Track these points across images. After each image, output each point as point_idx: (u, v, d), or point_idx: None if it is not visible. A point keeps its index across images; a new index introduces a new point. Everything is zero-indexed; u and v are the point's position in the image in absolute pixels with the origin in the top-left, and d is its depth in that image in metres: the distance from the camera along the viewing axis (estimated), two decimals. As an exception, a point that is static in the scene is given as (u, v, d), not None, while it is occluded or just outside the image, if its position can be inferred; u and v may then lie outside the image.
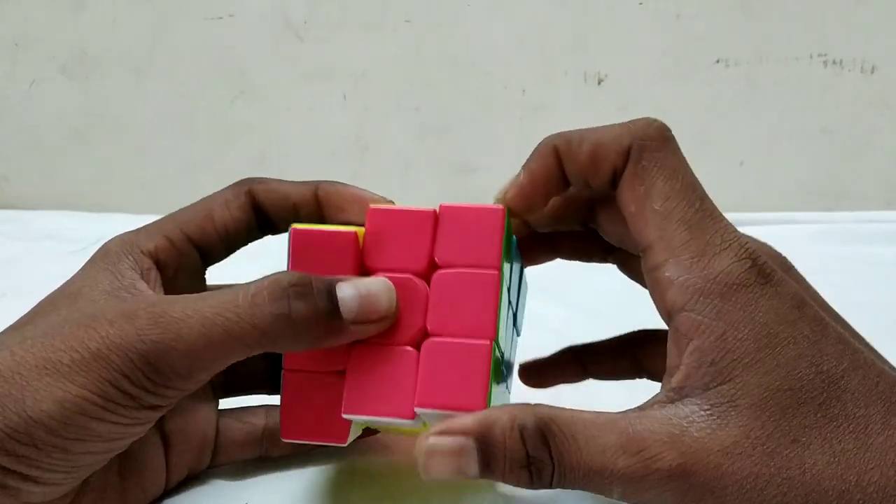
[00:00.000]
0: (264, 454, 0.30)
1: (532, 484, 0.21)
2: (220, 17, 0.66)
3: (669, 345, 0.22)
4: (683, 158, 0.24)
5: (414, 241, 0.25)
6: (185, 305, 0.22)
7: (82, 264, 0.27)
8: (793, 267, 0.25)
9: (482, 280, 0.24)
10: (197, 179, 0.71)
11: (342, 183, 0.28)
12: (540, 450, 0.21)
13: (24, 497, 0.21)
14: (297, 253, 0.25)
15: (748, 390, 0.21)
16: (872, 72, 0.63)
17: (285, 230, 0.29)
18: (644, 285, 0.25)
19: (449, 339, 0.24)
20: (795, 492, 0.20)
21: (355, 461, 0.31)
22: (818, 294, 0.25)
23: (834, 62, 0.63)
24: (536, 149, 0.25)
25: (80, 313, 0.23)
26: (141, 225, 0.28)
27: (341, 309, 0.23)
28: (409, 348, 0.24)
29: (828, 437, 0.21)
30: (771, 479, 0.20)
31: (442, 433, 0.22)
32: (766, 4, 0.62)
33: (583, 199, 0.27)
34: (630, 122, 0.24)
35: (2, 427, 0.20)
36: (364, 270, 0.25)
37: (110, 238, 0.28)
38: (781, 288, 0.22)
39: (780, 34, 0.63)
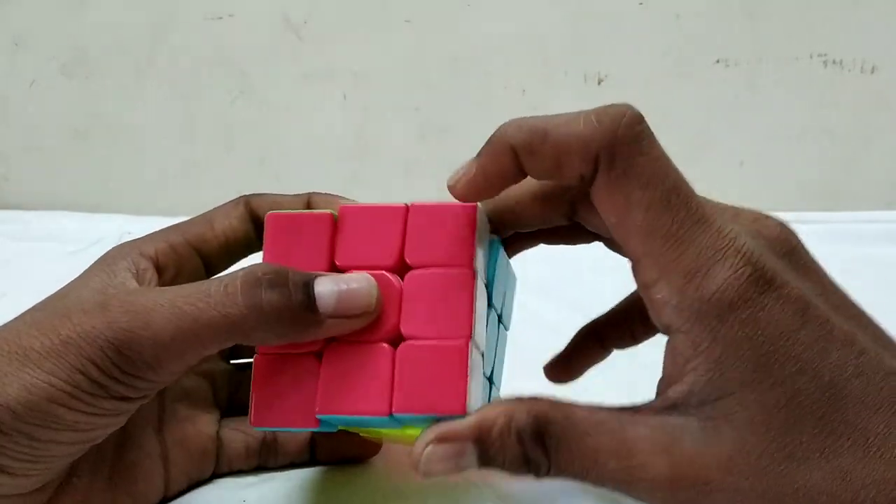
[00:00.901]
0: (263, 464, 0.30)
1: (528, 476, 0.22)
2: (220, 18, 0.66)
3: (666, 353, 0.22)
4: (661, 155, 0.22)
5: (385, 238, 0.24)
6: (157, 295, 0.22)
7: (82, 264, 0.27)
8: (797, 246, 0.23)
9: (456, 279, 0.24)
10: (197, 179, 0.71)
11: (333, 194, 0.28)
12: (536, 451, 0.21)
13: None
14: (271, 237, 0.25)
15: (745, 406, 0.20)
16: (872, 72, 0.63)
17: None
18: None
19: (425, 342, 0.24)
20: None
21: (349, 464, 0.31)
22: (826, 277, 0.24)
23: (834, 62, 0.63)
24: (490, 142, 0.24)
25: (61, 306, 0.23)
26: (140, 224, 0.29)
27: (318, 303, 0.22)
28: (384, 345, 0.24)
29: (826, 452, 0.20)
30: (762, 495, 0.20)
31: (440, 440, 0.22)
32: (766, 5, 0.62)
33: (562, 198, 0.25)
34: (599, 114, 0.22)
35: None
36: (335, 268, 0.25)
37: (115, 244, 0.28)
38: (784, 291, 0.21)
39: (780, 34, 0.63)
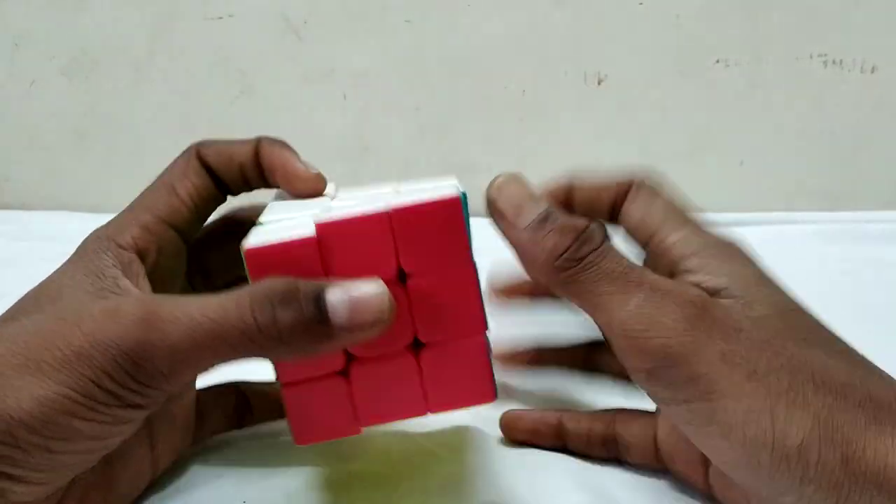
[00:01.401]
0: (241, 423, 0.31)
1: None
2: (220, 17, 0.66)
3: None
4: None
5: (376, 250, 0.23)
6: (172, 306, 0.22)
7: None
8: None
9: (459, 277, 0.24)
10: (197, 179, 0.71)
11: (280, 142, 0.28)
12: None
13: (10, 497, 0.21)
14: (257, 277, 0.23)
15: (762, 301, 0.24)
16: (873, 72, 0.63)
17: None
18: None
19: (444, 345, 0.24)
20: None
21: (353, 461, 0.31)
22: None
23: (834, 62, 0.63)
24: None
25: (64, 312, 0.23)
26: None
27: (330, 315, 0.22)
28: (408, 356, 0.24)
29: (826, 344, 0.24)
30: (785, 342, 0.23)
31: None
32: (766, 4, 0.62)
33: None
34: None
35: None
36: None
37: (87, 236, 0.27)
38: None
39: (780, 34, 0.63)
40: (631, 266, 0.23)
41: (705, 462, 0.27)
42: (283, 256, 0.23)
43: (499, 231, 0.24)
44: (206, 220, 0.29)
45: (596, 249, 0.23)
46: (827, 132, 0.65)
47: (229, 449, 0.32)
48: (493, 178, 0.25)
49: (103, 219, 0.27)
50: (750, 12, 0.63)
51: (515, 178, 0.24)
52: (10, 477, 0.21)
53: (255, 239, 0.23)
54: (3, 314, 0.25)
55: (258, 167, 0.28)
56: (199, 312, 0.21)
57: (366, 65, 0.66)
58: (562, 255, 0.23)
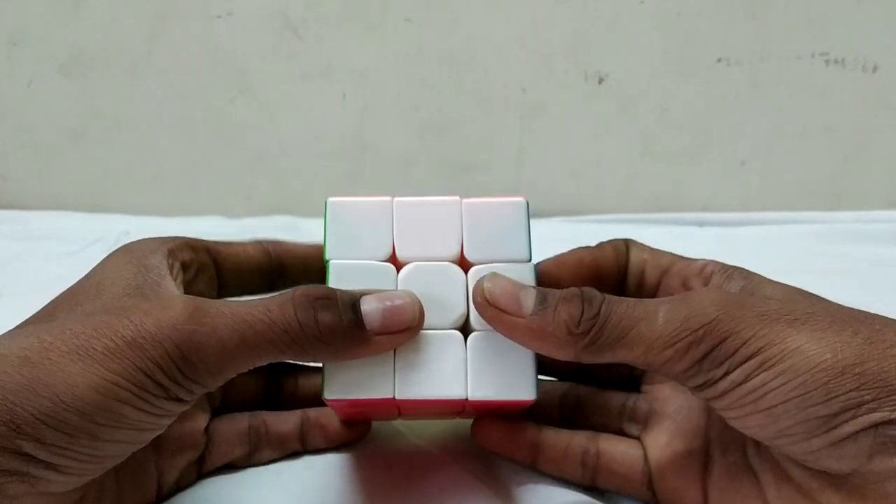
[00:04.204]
0: (254, 452, 0.30)
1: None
2: (219, 16, 0.66)
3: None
4: None
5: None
6: (220, 305, 0.23)
7: (80, 263, 0.27)
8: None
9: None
10: (196, 179, 0.71)
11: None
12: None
13: (42, 486, 0.21)
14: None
15: (779, 289, 0.25)
16: (874, 71, 0.63)
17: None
18: None
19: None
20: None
21: (352, 463, 0.31)
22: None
23: (836, 61, 0.63)
24: None
25: (110, 304, 0.23)
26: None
27: (365, 321, 0.23)
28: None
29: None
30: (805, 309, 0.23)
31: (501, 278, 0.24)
32: (768, 3, 0.62)
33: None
34: None
35: (34, 413, 0.20)
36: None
37: (130, 241, 0.28)
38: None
39: (781, 33, 0.63)
40: (641, 300, 0.24)
41: (703, 474, 0.26)
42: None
43: (504, 328, 0.24)
44: (246, 283, 0.31)
45: (604, 300, 0.24)
46: (828, 131, 0.65)
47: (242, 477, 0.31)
48: (478, 279, 0.25)
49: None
50: (751, 11, 0.62)
51: (497, 275, 0.24)
52: (48, 465, 0.21)
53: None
54: (38, 315, 0.25)
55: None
56: (246, 311, 0.23)
57: (365, 64, 0.66)
58: (580, 320, 0.23)
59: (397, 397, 0.25)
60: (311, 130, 0.68)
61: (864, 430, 0.21)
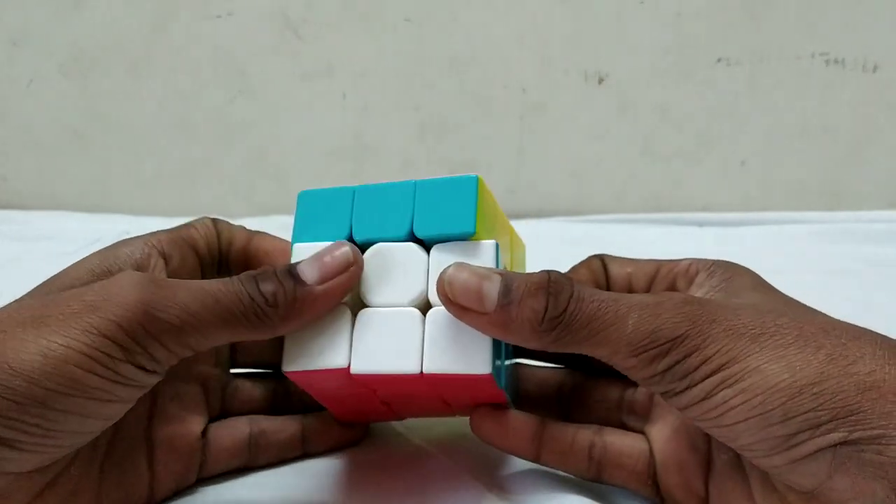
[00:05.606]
0: (252, 460, 0.30)
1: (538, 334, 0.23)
2: (219, 16, 0.66)
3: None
4: None
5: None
6: (177, 279, 0.24)
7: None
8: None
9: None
10: (196, 179, 0.71)
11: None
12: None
13: (1, 465, 0.21)
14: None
15: (745, 298, 0.25)
16: (874, 71, 0.63)
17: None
18: None
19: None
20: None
21: (352, 463, 0.31)
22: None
23: (836, 61, 0.63)
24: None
25: (70, 284, 0.24)
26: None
27: (302, 277, 0.24)
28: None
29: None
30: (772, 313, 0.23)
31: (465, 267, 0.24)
32: (768, 3, 0.62)
33: None
34: None
35: None
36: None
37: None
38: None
39: (781, 33, 0.63)
40: (611, 296, 0.23)
41: (705, 470, 0.26)
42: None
43: (468, 323, 0.24)
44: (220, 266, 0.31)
45: (572, 296, 0.23)
46: (828, 131, 0.65)
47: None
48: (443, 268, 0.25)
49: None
50: (751, 11, 0.62)
51: (460, 266, 0.24)
52: (2, 441, 0.20)
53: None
54: (4, 306, 0.25)
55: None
56: (203, 283, 0.24)
57: (365, 64, 0.66)
58: (543, 318, 0.23)
59: (353, 370, 0.25)
60: (311, 130, 0.68)
61: (821, 449, 0.21)
